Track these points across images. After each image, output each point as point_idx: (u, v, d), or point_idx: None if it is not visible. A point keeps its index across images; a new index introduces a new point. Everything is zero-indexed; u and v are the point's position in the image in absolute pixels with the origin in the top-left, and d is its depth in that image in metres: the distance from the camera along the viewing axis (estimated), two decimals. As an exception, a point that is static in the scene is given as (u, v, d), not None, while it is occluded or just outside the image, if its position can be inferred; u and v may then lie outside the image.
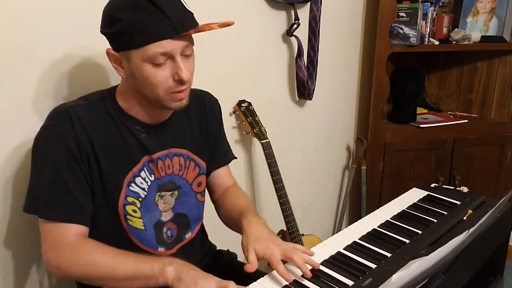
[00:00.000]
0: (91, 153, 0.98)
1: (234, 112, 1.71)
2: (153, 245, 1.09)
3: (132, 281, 0.92)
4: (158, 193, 1.09)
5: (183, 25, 0.92)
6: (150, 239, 1.08)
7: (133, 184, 1.04)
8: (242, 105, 1.67)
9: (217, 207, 1.27)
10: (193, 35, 0.97)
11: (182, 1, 0.95)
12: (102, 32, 0.97)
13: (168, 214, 1.11)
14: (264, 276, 0.97)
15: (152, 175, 1.07)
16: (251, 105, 1.69)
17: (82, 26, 1.21)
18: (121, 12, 0.90)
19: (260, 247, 0.98)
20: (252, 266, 0.94)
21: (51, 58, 1.17)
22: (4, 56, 1.08)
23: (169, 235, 1.12)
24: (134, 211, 1.05)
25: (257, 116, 1.67)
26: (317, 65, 1.90)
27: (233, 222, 1.15)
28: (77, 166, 0.97)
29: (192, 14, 0.97)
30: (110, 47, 0.97)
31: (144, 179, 1.06)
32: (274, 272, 0.96)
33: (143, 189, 1.06)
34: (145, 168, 1.06)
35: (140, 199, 1.05)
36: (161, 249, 1.10)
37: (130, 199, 1.04)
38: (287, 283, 0.94)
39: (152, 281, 0.91)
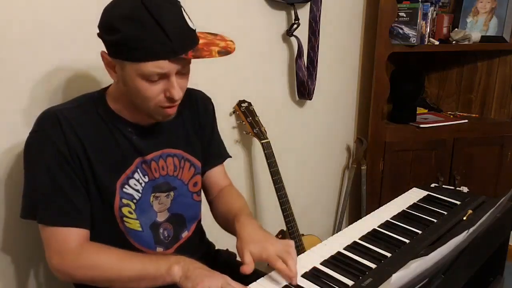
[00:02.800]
0: (83, 155, 0.97)
1: (234, 112, 1.71)
2: (151, 245, 1.08)
3: (140, 281, 0.93)
4: (153, 194, 1.08)
5: (184, 46, 0.89)
6: (147, 240, 1.08)
7: (126, 186, 1.03)
8: (242, 105, 1.67)
9: (212, 208, 1.26)
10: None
11: (185, 17, 0.91)
12: (100, 35, 0.93)
13: (164, 215, 1.11)
14: (264, 276, 0.97)
15: (146, 176, 1.06)
16: (251, 105, 1.69)
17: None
18: (121, 23, 0.86)
19: (255, 249, 0.97)
20: (248, 267, 0.94)
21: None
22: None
23: (166, 235, 1.12)
24: (130, 212, 1.04)
25: (257, 116, 1.67)
26: (317, 65, 1.90)
27: (228, 224, 1.14)
28: (70, 169, 0.96)
29: (194, 31, 0.94)
30: (105, 50, 0.94)
31: (137, 180, 1.05)
32: (274, 272, 0.96)
33: (137, 190, 1.05)
34: (138, 170, 1.05)
35: (134, 200, 1.05)
36: (159, 249, 1.10)
37: (125, 201, 1.03)
38: (287, 283, 0.94)
39: (159, 280, 0.91)
